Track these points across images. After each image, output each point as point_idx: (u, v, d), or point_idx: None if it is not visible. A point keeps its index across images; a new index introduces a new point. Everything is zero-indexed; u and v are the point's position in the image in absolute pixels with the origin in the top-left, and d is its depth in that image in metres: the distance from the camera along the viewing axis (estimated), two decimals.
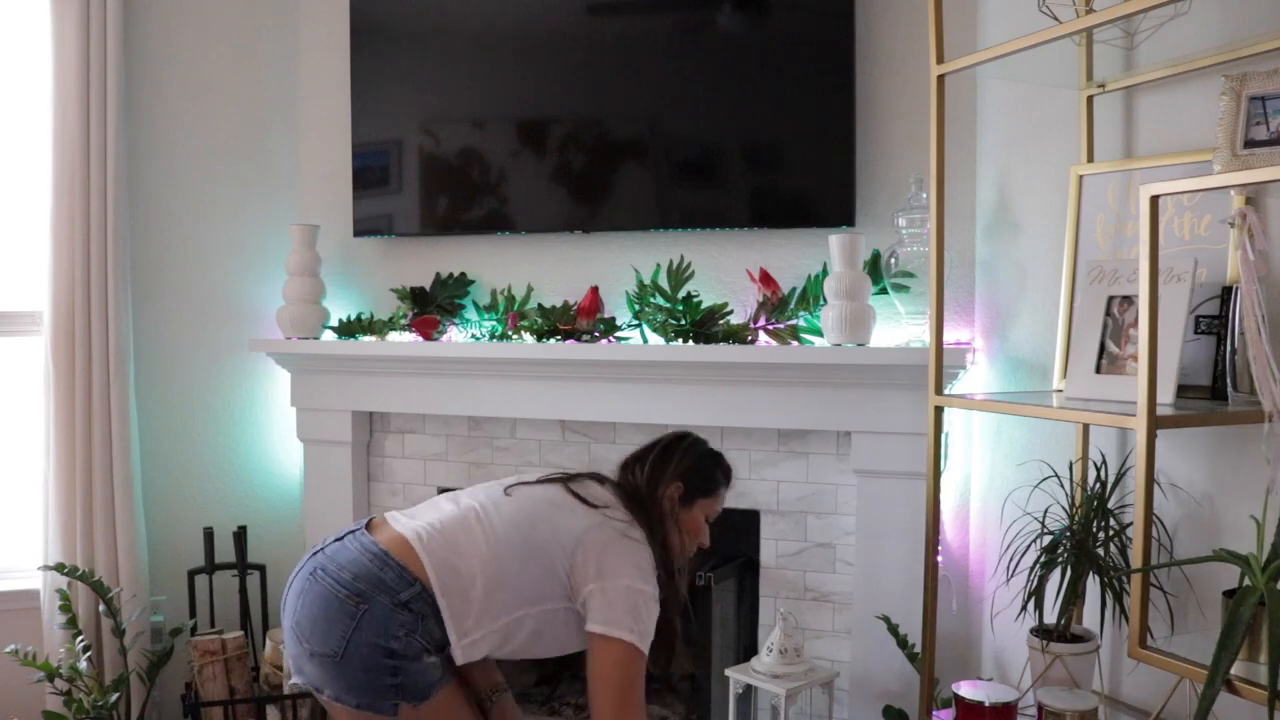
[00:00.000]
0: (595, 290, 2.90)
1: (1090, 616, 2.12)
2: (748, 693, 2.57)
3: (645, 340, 2.83)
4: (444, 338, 3.03)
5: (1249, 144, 1.72)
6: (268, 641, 3.06)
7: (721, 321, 2.74)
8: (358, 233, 3.20)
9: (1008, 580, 2.15)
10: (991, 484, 2.54)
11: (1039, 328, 2.39)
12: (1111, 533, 2.06)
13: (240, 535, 3.18)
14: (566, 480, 2.06)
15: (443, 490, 2.58)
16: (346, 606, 1.79)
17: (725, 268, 2.87)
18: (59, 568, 2.88)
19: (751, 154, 2.80)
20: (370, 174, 3.16)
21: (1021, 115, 2.46)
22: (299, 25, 3.34)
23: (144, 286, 3.18)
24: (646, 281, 2.83)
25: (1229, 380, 1.81)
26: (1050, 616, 2.10)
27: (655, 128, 2.88)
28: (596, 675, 1.86)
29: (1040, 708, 1.97)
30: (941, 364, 2.21)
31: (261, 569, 3.22)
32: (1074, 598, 2.07)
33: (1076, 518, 2.09)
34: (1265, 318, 1.65)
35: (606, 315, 2.89)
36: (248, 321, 3.28)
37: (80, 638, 2.85)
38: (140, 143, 3.17)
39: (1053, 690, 2.01)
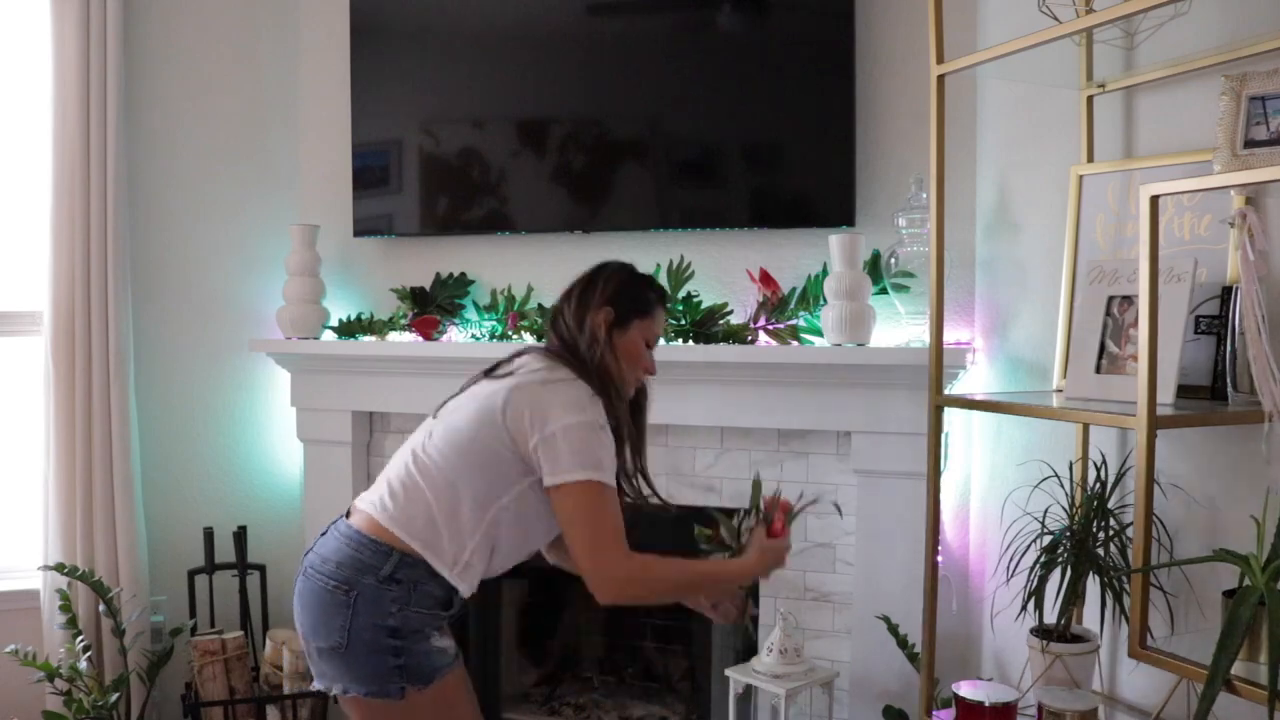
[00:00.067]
0: None
1: (1090, 616, 2.12)
2: (748, 693, 2.57)
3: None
4: (444, 338, 3.03)
5: (1249, 144, 1.72)
6: (268, 641, 3.06)
7: (721, 321, 2.74)
8: (358, 233, 3.20)
9: (1008, 580, 2.15)
10: (991, 484, 2.54)
11: (1039, 328, 2.39)
12: (1111, 533, 2.06)
13: (240, 535, 3.18)
14: (486, 371, 1.96)
15: None
16: (338, 597, 1.78)
17: (725, 268, 2.87)
18: (59, 568, 2.88)
19: (751, 154, 2.80)
20: (370, 174, 3.16)
21: (1021, 115, 2.46)
22: (299, 25, 3.34)
23: (144, 286, 3.18)
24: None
25: (1229, 380, 1.81)
26: (1050, 616, 2.10)
27: (655, 128, 2.88)
28: (565, 525, 1.79)
29: (1040, 708, 1.97)
30: (941, 364, 2.21)
31: (261, 569, 3.22)
32: (1074, 598, 2.07)
33: (1076, 518, 2.09)
34: (1265, 318, 1.65)
35: None
36: (248, 321, 3.28)
37: (80, 638, 2.85)
38: (140, 143, 3.17)
39: (1053, 690, 2.01)
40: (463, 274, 3.12)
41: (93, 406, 3.00)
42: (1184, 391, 1.83)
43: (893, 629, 2.51)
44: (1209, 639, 1.60)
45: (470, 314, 3.08)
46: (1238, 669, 1.54)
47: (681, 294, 2.78)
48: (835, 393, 2.61)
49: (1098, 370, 1.97)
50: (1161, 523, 1.97)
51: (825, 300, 2.61)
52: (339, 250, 3.26)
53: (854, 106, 2.68)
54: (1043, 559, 2.08)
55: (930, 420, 2.21)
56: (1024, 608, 2.10)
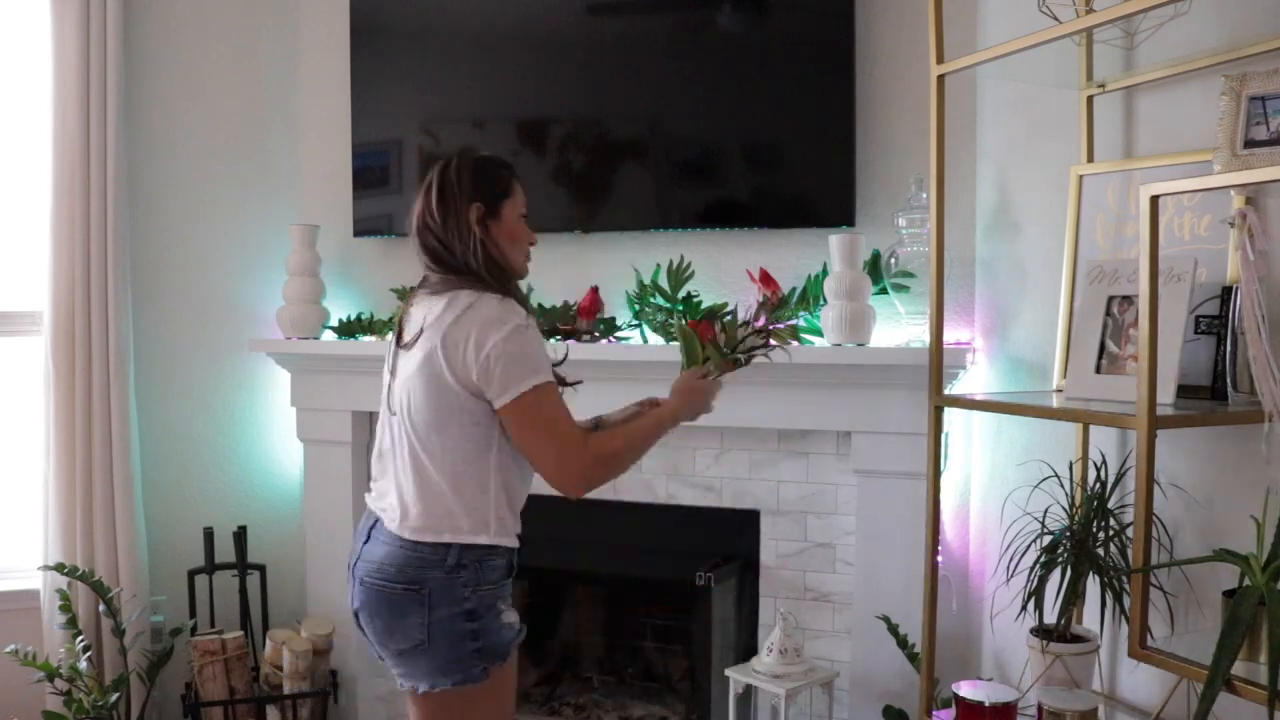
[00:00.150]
0: (595, 290, 2.90)
1: (1090, 616, 2.12)
2: (748, 693, 2.57)
3: (645, 340, 2.83)
4: None
5: (1249, 144, 1.72)
6: (268, 641, 3.06)
7: None
8: (358, 233, 3.20)
9: (1008, 580, 2.15)
10: (991, 484, 2.54)
11: (1039, 328, 2.39)
12: (1111, 533, 2.06)
13: (240, 535, 3.18)
14: (398, 343, 1.90)
15: None
16: (410, 597, 1.78)
17: (725, 268, 2.87)
18: (59, 568, 2.88)
19: (751, 154, 2.80)
20: (370, 174, 3.16)
21: (1021, 115, 2.46)
22: (299, 25, 3.34)
23: (144, 286, 3.18)
24: (646, 281, 2.83)
25: (1229, 380, 1.81)
26: (1050, 616, 2.10)
27: (655, 128, 2.88)
28: (522, 440, 1.79)
29: (1040, 708, 1.97)
30: (941, 364, 2.21)
31: (261, 569, 3.22)
32: (1074, 598, 2.07)
33: (1076, 518, 2.09)
34: (1265, 318, 1.65)
35: (606, 315, 2.89)
36: (248, 321, 3.28)
37: (80, 638, 2.85)
38: (140, 143, 3.17)
39: (1053, 690, 2.01)
40: None
41: (93, 406, 3.00)
42: (1184, 391, 1.83)
43: (893, 629, 2.51)
44: (1209, 639, 1.60)
45: None
46: (1238, 669, 1.54)
47: (681, 294, 2.78)
48: (835, 393, 2.61)
49: (1098, 370, 1.97)
50: (1161, 523, 1.97)
51: (825, 300, 2.61)
52: (339, 250, 3.26)
53: (854, 106, 2.68)
54: (1043, 559, 2.08)
55: (930, 420, 2.22)
56: (1024, 608, 2.10)
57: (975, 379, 2.59)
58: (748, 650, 2.82)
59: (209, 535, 3.15)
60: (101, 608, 2.90)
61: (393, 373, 1.91)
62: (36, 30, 3.02)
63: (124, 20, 3.04)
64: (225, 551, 3.17)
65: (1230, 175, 1.69)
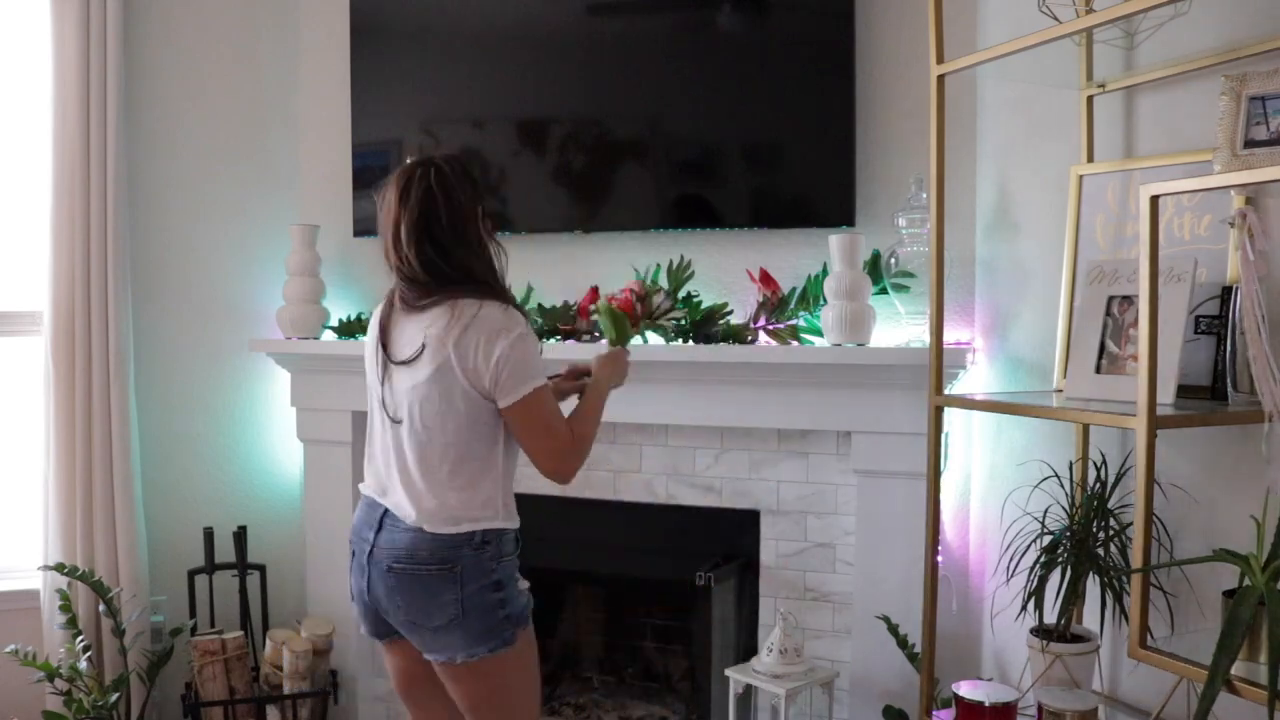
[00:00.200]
0: (595, 290, 2.90)
1: (1090, 616, 2.12)
2: (748, 693, 2.57)
3: (645, 340, 2.83)
4: None
5: (1249, 144, 1.72)
6: (268, 641, 3.06)
7: (721, 321, 2.73)
8: (358, 233, 3.20)
9: (1008, 580, 2.15)
10: (991, 484, 2.54)
11: (1039, 328, 2.39)
12: (1111, 533, 2.06)
13: (240, 535, 3.18)
14: (391, 362, 1.91)
15: None
16: (443, 576, 1.87)
17: (725, 268, 2.87)
18: (59, 568, 2.88)
19: (751, 154, 2.80)
20: (370, 174, 3.16)
21: (1021, 115, 2.46)
22: (299, 25, 3.34)
23: (144, 286, 3.18)
24: (647, 282, 2.82)
25: (1229, 380, 1.81)
26: (1050, 616, 2.10)
27: (655, 128, 2.88)
28: (524, 435, 1.90)
29: (1040, 708, 1.97)
30: (941, 364, 2.21)
31: (261, 569, 3.22)
32: (1074, 598, 2.07)
33: (1076, 518, 2.09)
34: (1265, 318, 1.65)
35: None
36: (248, 321, 3.28)
37: (80, 638, 2.85)
38: (140, 143, 3.17)
39: (1053, 690, 2.01)
40: None
41: (93, 406, 3.00)
42: (1184, 391, 1.83)
43: (893, 629, 2.51)
44: (1209, 639, 1.60)
45: None
46: (1238, 669, 1.54)
47: (682, 294, 2.78)
48: (835, 393, 2.61)
49: (1098, 370, 1.97)
50: (1161, 523, 1.97)
51: (825, 300, 2.61)
52: (339, 250, 3.26)
53: (854, 106, 2.68)
54: (1043, 559, 2.08)
55: (930, 420, 2.22)
56: (1024, 608, 2.10)
57: (975, 379, 2.59)
58: (748, 650, 2.82)
59: (209, 535, 3.15)
60: (101, 608, 2.90)
61: (385, 383, 1.94)
62: (36, 30, 3.02)
63: (124, 20, 3.04)
64: (225, 551, 3.17)
65: (1230, 175, 1.69)
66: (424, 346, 1.86)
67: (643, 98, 2.87)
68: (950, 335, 2.54)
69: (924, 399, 2.28)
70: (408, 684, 2.08)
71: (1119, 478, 2.10)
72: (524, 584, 1.97)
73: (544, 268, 3.04)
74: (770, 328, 2.70)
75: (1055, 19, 1.91)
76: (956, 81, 2.24)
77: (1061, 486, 2.16)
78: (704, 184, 2.85)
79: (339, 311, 3.22)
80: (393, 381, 1.93)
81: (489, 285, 1.90)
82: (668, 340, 2.75)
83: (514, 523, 1.96)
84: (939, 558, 2.26)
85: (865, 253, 2.62)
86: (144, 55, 3.17)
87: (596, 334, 2.85)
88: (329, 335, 3.16)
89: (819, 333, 2.67)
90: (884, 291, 2.64)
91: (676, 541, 2.93)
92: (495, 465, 1.92)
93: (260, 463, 3.33)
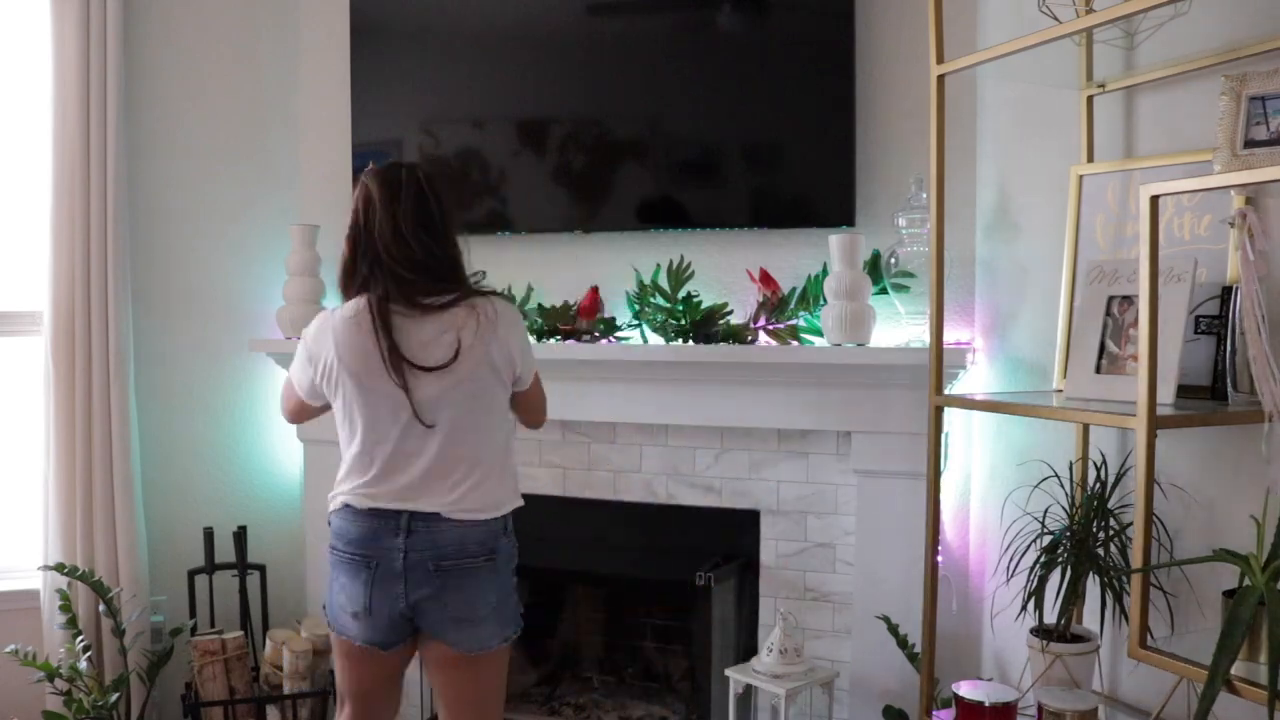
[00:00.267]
0: (595, 290, 2.90)
1: (1090, 616, 2.12)
2: (748, 693, 2.57)
3: (645, 340, 2.83)
4: None
5: (1249, 144, 1.72)
6: (268, 641, 3.06)
7: (721, 321, 2.74)
8: None
9: (1008, 580, 2.15)
10: (991, 484, 2.54)
11: (1039, 328, 2.39)
12: (1111, 533, 2.06)
13: (240, 535, 3.18)
14: (416, 368, 1.88)
15: None
16: (489, 566, 1.96)
17: (725, 268, 2.87)
18: (59, 568, 2.88)
19: (751, 154, 2.80)
20: None
21: (1021, 115, 2.46)
22: (299, 25, 3.34)
23: (144, 286, 3.18)
24: (646, 281, 2.83)
25: (1229, 380, 1.81)
26: (1050, 616, 2.10)
27: (655, 128, 2.88)
28: (528, 404, 2.12)
29: (1040, 708, 1.97)
30: (941, 364, 2.21)
31: (261, 569, 3.22)
32: (1074, 598, 2.08)
33: (1076, 518, 2.09)
34: (1265, 318, 1.65)
35: (606, 315, 2.89)
36: (248, 321, 3.28)
37: (80, 638, 2.85)
38: (140, 143, 3.16)
39: (1053, 690, 2.01)
40: None
41: (93, 406, 3.00)
42: (1184, 391, 1.83)
43: (893, 629, 2.51)
44: (1209, 639, 1.60)
45: None
46: (1238, 669, 1.54)
47: (681, 294, 2.78)
48: (835, 393, 2.61)
49: (1098, 370, 1.97)
50: (1161, 523, 1.97)
51: (825, 300, 2.61)
52: (339, 250, 3.24)
53: (854, 106, 2.68)
54: (1043, 559, 2.08)
55: (930, 420, 2.22)
56: (1024, 608, 2.10)
57: (975, 379, 2.59)
58: (748, 650, 2.82)
59: (209, 535, 3.15)
60: (101, 608, 2.90)
61: (407, 390, 1.89)
62: (36, 30, 3.02)
63: (124, 20, 3.04)
64: (225, 551, 3.17)
65: (1230, 175, 1.69)
66: (457, 350, 1.89)
67: (643, 98, 2.87)
68: (950, 335, 2.54)
69: (924, 399, 2.28)
70: (372, 684, 2.06)
71: (1119, 478, 2.10)
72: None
73: (544, 268, 3.04)
74: (770, 328, 2.70)
75: (1055, 19, 1.91)
76: (956, 81, 2.24)
77: (1061, 486, 2.16)
78: (704, 184, 2.85)
79: None
80: (420, 387, 1.89)
81: (468, 282, 2.00)
82: (668, 340, 2.75)
83: (520, 499, 2.09)
84: (939, 558, 2.26)
85: (865, 253, 2.62)
86: (144, 55, 3.17)
87: (596, 334, 2.85)
88: None
89: (819, 333, 2.67)
90: (884, 291, 2.64)
91: (676, 541, 2.93)
92: (512, 448, 2.08)
93: (260, 463, 3.33)
